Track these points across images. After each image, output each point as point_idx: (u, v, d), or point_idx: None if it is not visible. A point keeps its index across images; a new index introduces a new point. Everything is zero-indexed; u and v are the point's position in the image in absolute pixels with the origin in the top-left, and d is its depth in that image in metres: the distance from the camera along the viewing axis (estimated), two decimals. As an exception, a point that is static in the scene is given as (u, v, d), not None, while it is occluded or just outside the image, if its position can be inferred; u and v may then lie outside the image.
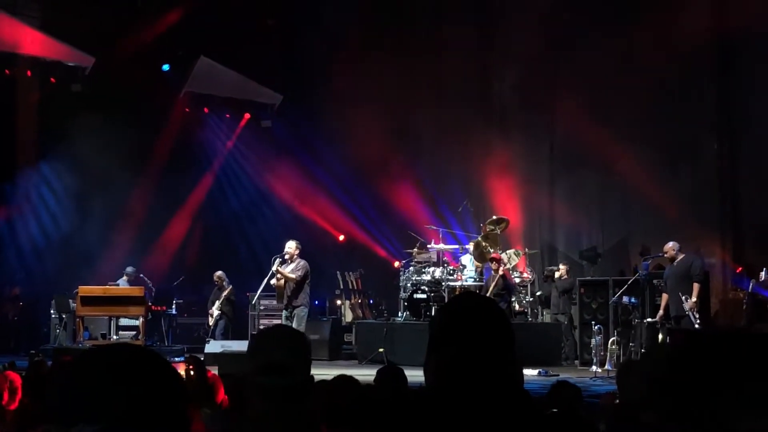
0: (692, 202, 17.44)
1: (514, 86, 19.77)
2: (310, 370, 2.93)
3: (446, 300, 15.15)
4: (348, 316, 19.68)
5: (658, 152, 17.95)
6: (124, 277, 18.13)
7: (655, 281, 15.04)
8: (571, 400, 5.40)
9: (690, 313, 12.98)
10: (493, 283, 15.24)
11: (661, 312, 13.83)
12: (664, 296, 13.91)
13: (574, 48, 18.97)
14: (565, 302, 16.88)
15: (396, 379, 5.49)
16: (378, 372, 5.71)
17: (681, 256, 13.73)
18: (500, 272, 15.43)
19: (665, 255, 13.99)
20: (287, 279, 13.98)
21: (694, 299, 13.14)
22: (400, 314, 17.44)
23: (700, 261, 14.13)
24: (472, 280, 16.94)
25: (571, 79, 19.21)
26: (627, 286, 14.92)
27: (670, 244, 13.86)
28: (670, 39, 17.71)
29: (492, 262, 15.94)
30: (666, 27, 17.67)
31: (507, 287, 15.47)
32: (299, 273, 14.00)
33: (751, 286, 14.55)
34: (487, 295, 14.65)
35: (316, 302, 17.64)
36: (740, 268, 16.60)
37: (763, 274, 12.68)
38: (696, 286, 13.29)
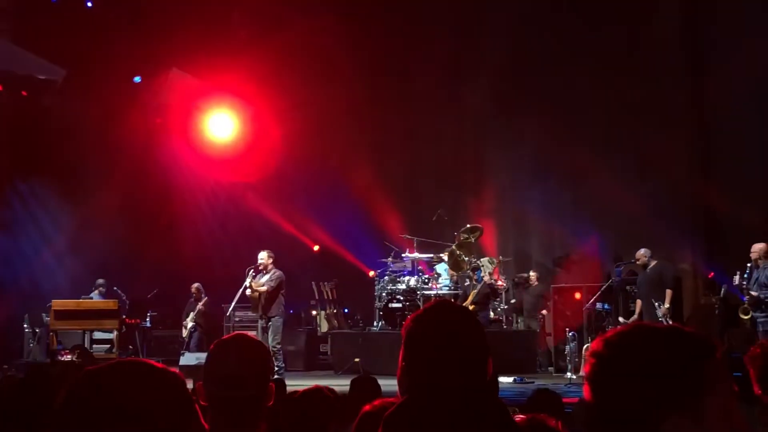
0: (663, 208, 17.57)
1: (486, 96, 19.84)
2: (267, 381, 2.91)
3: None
4: (323, 327, 19.65)
5: (629, 158, 18.09)
6: (96, 291, 18.03)
7: (628, 287, 15.17)
8: (552, 406, 5.45)
9: (663, 319, 13.10)
10: (474, 291, 15.26)
11: (635, 317, 13.94)
12: (638, 302, 14.04)
13: (545, 57, 19.10)
14: (539, 305, 16.97)
15: (370, 389, 5.51)
16: (352, 382, 5.73)
17: (653, 263, 13.85)
18: (486, 280, 15.41)
19: (637, 262, 14.10)
20: (260, 292, 14.00)
21: (666, 305, 13.27)
22: (375, 324, 17.45)
23: (672, 267, 14.27)
24: (447, 288, 16.98)
25: (542, 88, 19.33)
26: (600, 293, 15.02)
27: (642, 250, 13.98)
28: (640, 45, 17.90)
29: (472, 271, 16.00)
30: (635, 33, 17.85)
31: (493, 291, 15.50)
32: (272, 284, 14.01)
33: (723, 291, 14.68)
34: (467, 302, 14.72)
35: (291, 311, 17.61)
36: (712, 274, 16.75)
37: (736, 278, 12.80)
38: (668, 293, 13.42)
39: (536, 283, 17.14)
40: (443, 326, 2.43)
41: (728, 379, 1.74)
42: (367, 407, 2.79)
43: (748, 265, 12.71)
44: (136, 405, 1.73)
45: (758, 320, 12.48)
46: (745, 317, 12.61)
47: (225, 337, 3.16)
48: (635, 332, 1.83)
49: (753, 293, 12.45)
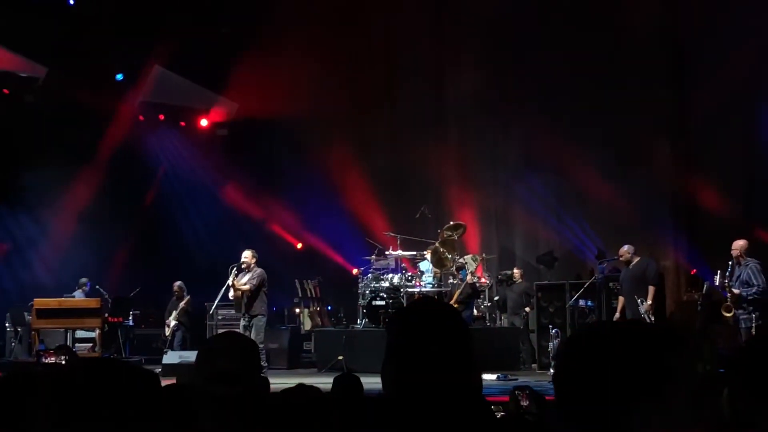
0: (646, 204, 17.65)
1: (467, 92, 19.86)
2: (258, 377, 2.92)
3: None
4: (307, 324, 19.65)
5: (612, 155, 18.13)
6: (80, 289, 17.96)
7: (611, 284, 15.21)
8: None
9: (646, 316, 13.15)
10: (458, 291, 15.24)
11: (617, 315, 13.99)
12: (621, 299, 14.08)
13: (526, 52, 19.12)
14: (523, 301, 17.01)
15: (352, 387, 5.50)
16: (335, 380, 5.71)
17: (636, 259, 13.89)
18: (469, 279, 15.36)
19: (620, 258, 14.14)
20: (242, 291, 14.00)
21: (649, 302, 13.31)
22: (359, 321, 17.44)
23: (655, 264, 14.32)
24: (431, 286, 16.98)
25: (524, 83, 19.36)
26: (583, 290, 15.06)
27: (625, 247, 14.02)
28: (622, 41, 17.95)
29: (455, 270, 15.99)
30: (618, 30, 17.90)
31: (475, 290, 15.47)
32: (254, 282, 14.02)
33: (705, 288, 14.73)
34: (452, 301, 14.72)
35: (274, 308, 17.59)
36: (694, 271, 16.83)
37: (717, 277, 12.84)
38: (651, 289, 13.45)
39: (520, 280, 17.17)
40: (425, 323, 2.42)
41: (693, 368, 1.74)
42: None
43: (730, 262, 12.77)
44: (110, 402, 1.72)
45: (740, 317, 12.53)
46: (728, 315, 12.66)
47: (210, 337, 3.18)
48: (594, 330, 1.84)
49: (735, 291, 12.50)
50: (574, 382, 1.76)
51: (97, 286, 17.99)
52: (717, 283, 12.80)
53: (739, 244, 12.77)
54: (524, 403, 5.52)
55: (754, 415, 2.01)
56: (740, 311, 12.52)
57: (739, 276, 12.63)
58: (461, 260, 16.61)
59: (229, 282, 14.04)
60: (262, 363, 13.96)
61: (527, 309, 16.95)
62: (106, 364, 1.86)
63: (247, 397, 2.82)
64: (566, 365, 1.81)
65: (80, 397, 1.73)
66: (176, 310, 17.38)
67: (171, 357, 15.50)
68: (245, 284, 14.03)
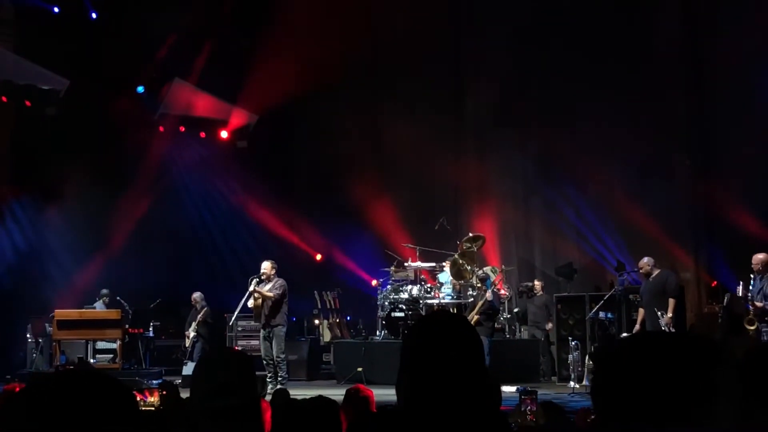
0: (666, 217, 17.58)
1: (488, 104, 19.88)
2: (256, 389, 2.94)
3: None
4: (326, 336, 19.63)
5: (632, 168, 18.11)
6: (100, 300, 18.04)
7: (631, 296, 15.14)
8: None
9: (666, 329, 13.07)
10: (480, 302, 15.17)
11: (637, 327, 13.91)
12: (641, 311, 14.00)
13: (547, 66, 19.12)
14: (544, 315, 16.94)
15: (362, 401, 5.49)
16: (346, 393, 5.70)
17: (656, 272, 13.82)
18: (488, 296, 15.27)
19: (640, 271, 14.07)
20: (265, 297, 13.95)
21: (669, 314, 13.23)
22: (378, 333, 17.43)
23: (675, 276, 14.24)
24: (450, 297, 16.95)
25: (544, 96, 19.37)
26: (603, 302, 14.99)
27: (645, 259, 13.95)
28: (642, 54, 17.92)
29: (479, 282, 15.91)
30: (637, 43, 17.88)
31: (493, 308, 15.41)
32: (277, 291, 14.00)
33: (726, 300, 14.65)
34: (473, 313, 14.67)
35: (293, 318, 17.62)
36: (715, 283, 16.74)
37: (740, 288, 12.76)
38: (671, 302, 13.37)
39: (541, 292, 17.11)
40: (439, 336, 2.42)
41: (737, 385, 1.73)
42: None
43: (752, 275, 12.70)
44: (82, 417, 1.71)
45: (763, 330, 12.46)
46: (751, 328, 12.57)
47: (206, 352, 3.21)
48: (640, 341, 1.82)
49: (758, 304, 12.43)
50: (616, 394, 1.75)
51: (118, 297, 18.04)
52: (740, 294, 12.72)
53: (759, 258, 12.69)
54: (531, 408, 5.50)
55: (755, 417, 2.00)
56: (763, 324, 12.44)
57: (761, 289, 12.55)
58: (481, 272, 16.53)
59: (250, 289, 14.03)
60: (283, 374, 13.99)
61: (549, 325, 16.87)
62: (67, 380, 1.81)
63: (246, 409, 2.83)
64: (608, 377, 1.79)
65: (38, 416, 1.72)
66: (195, 321, 17.44)
67: (191, 368, 15.54)
68: (269, 291, 14.03)
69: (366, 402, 5.41)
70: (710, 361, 1.72)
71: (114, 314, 16.78)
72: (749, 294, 12.54)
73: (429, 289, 17.09)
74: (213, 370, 2.91)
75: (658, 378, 1.70)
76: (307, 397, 4.12)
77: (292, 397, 6.10)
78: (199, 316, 17.41)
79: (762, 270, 12.61)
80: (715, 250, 17.23)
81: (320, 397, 3.97)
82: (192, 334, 17.39)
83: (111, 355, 17.08)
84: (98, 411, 1.74)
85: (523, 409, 5.48)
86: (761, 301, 12.43)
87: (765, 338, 12.43)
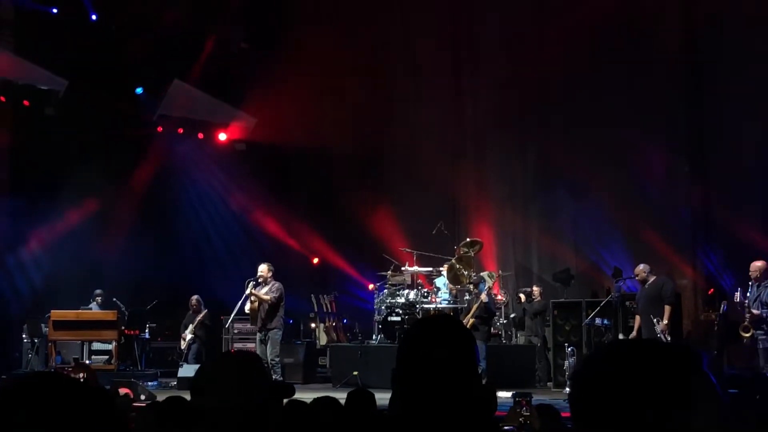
0: (664, 223, 17.58)
1: (487, 109, 19.88)
2: (251, 389, 2.86)
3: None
4: (322, 339, 19.61)
5: (630, 174, 18.11)
6: (94, 301, 18.03)
7: (627, 303, 15.15)
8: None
9: (661, 335, 13.08)
10: (475, 306, 15.17)
11: (634, 333, 13.92)
12: (637, 318, 14.01)
13: (546, 71, 19.11)
14: (538, 324, 16.93)
15: (366, 403, 5.50)
16: (348, 395, 5.71)
17: (652, 278, 13.83)
18: (483, 298, 15.24)
19: (636, 277, 14.09)
20: (262, 300, 13.95)
21: (665, 321, 13.25)
22: (374, 337, 17.42)
23: (672, 283, 14.25)
24: (446, 302, 16.94)
25: (543, 101, 19.39)
26: (600, 308, 15.00)
27: (641, 266, 13.97)
28: (641, 62, 17.93)
29: (472, 286, 15.90)
30: (637, 48, 17.90)
31: (489, 311, 15.40)
32: (274, 294, 14.00)
33: (722, 308, 14.67)
34: (468, 317, 14.66)
35: (290, 321, 17.60)
36: (711, 290, 16.74)
37: (737, 295, 12.79)
38: (667, 309, 13.39)
39: (539, 297, 17.10)
40: (433, 338, 2.41)
41: (714, 391, 1.72)
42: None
43: (750, 283, 12.73)
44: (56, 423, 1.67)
45: (759, 338, 12.48)
46: (746, 335, 12.59)
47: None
48: (613, 349, 1.82)
49: (755, 311, 12.45)
50: (590, 401, 1.75)
51: (114, 299, 18.03)
52: (737, 301, 12.76)
53: (756, 266, 12.73)
54: (525, 412, 5.51)
55: None
56: (759, 332, 12.47)
57: (758, 297, 12.57)
58: (475, 276, 16.50)
59: (247, 292, 14.02)
60: (278, 377, 13.97)
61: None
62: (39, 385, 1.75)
63: (237, 410, 2.80)
64: (583, 384, 1.79)
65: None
66: (192, 323, 17.43)
67: (186, 370, 15.55)
68: (265, 294, 14.01)
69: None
70: (687, 370, 1.72)
71: (110, 315, 16.81)
72: (746, 301, 12.58)
73: (426, 294, 17.09)
74: (205, 369, 2.90)
75: (633, 386, 1.69)
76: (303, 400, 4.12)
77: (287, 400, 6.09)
78: (199, 317, 17.42)
79: (760, 277, 12.65)
80: (713, 257, 17.23)
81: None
82: (189, 336, 17.38)
83: (107, 357, 17.06)
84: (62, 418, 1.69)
85: (517, 410, 5.48)
86: (758, 309, 12.46)
87: (760, 346, 12.46)
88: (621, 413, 1.68)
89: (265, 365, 13.71)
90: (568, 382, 14.30)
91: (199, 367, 3.02)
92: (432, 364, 2.34)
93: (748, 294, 12.68)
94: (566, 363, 14.78)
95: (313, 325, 19.90)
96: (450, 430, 2.31)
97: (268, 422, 2.77)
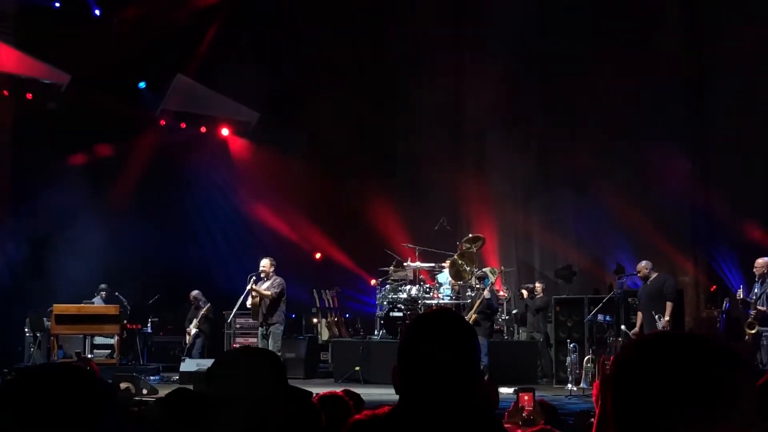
0: (666, 220, 17.57)
1: (488, 106, 19.87)
2: (256, 382, 2.84)
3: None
4: (324, 335, 19.63)
5: (632, 171, 18.10)
6: (98, 295, 18.03)
7: (630, 299, 15.13)
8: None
9: (663, 332, 13.07)
10: (478, 301, 15.15)
11: (636, 329, 13.91)
12: (639, 314, 14.00)
13: (548, 68, 19.12)
14: (540, 320, 16.92)
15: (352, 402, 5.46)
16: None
17: (654, 275, 13.82)
18: (485, 294, 15.21)
19: (638, 274, 14.07)
20: (263, 296, 13.93)
21: (667, 318, 13.23)
22: (376, 332, 17.42)
23: (673, 280, 14.24)
24: (449, 298, 16.93)
25: (545, 99, 19.38)
26: (602, 305, 14.99)
27: (643, 263, 13.95)
28: (643, 59, 17.89)
29: (476, 281, 15.87)
30: (639, 47, 17.86)
31: (491, 307, 15.37)
32: (275, 290, 13.97)
33: (724, 304, 14.68)
34: (471, 312, 14.65)
35: (293, 315, 17.61)
36: (714, 287, 16.73)
37: (740, 291, 12.79)
38: (669, 305, 13.37)
39: (541, 294, 17.07)
40: (435, 333, 2.41)
41: (750, 392, 1.71)
42: (357, 416, 2.77)
43: (755, 280, 12.74)
44: (61, 410, 1.71)
45: (764, 334, 12.48)
46: (751, 332, 12.59)
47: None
48: (661, 339, 1.80)
49: (761, 308, 12.46)
50: (634, 389, 1.73)
51: (117, 293, 18.04)
52: (741, 297, 12.77)
53: (761, 262, 12.73)
54: (528, 407, 5.48)
55: None
56: (764, 328, 12.47)
57: (764, 293, 12.58)
58: (479, 271, 16.48)
59: (248, 287, 14.01)
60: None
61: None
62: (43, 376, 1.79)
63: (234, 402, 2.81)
64: (629, 372, 1.76)
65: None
66: (196, 318, 17.44)
67: (188, 365, 15.56)
68: (267, 290, 14.00)
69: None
70: (733, 365, 1.71)
71: (112, 310, 16.82)
72: (750, 297, 12.58)
73: (428, 290, 17.09)
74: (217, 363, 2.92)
75: (674, 376, 1.68)
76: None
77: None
78: (202, 311, 17.44)
79: (765, 274, 12.64)
80: (715, 253, 17.22)
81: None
82: (194, 330, 17.40)
83: (109, 351, 17.09)
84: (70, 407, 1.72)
85: (520, 405, 5.46)
86: (764, 305, 12.46)
87: (765, 342, 12.45)
88: (659, 403, 1.67)
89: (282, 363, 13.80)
90: (570, 378, 14.32)
91: (217, 358, 3.05)
92: (436, 366, 2.34)
93: (756, 290, 12.68)
94: (568, 359, 14.78)
95: (315, 320, 19.92)
96: (453, 429, 2.31)
97: (277, 419, 2.77)
